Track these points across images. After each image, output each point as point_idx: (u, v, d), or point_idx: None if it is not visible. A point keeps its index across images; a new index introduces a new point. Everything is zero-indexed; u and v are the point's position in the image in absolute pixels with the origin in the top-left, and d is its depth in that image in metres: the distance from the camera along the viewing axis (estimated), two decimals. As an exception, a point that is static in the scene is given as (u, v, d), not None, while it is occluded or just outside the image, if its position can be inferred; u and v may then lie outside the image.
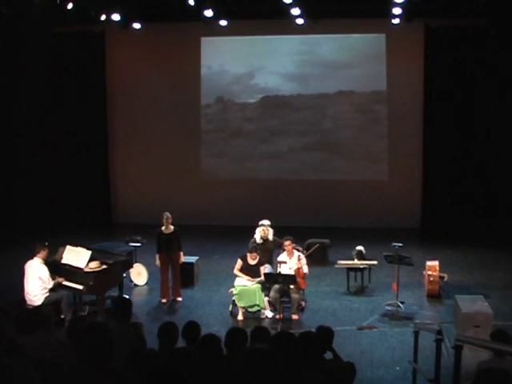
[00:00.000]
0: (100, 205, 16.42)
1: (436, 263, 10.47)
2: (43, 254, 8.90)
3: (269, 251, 10.30)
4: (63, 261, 9.31)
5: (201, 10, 13.75)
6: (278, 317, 9.13)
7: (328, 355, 5.35)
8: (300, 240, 11.01)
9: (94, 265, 9.08)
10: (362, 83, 15.70)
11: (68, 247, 9.46)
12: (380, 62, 15.53)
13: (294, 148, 16.17)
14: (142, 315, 9.52)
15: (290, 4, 13.39)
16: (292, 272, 9.47)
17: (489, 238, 13.92)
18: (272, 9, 13.92)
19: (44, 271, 8.79)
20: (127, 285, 10.65)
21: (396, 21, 14.31)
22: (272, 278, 9.35)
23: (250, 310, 9.52)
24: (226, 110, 16.41)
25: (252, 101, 16.23)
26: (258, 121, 16.28)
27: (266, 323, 9.17)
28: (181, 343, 5.19)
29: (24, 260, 9.04)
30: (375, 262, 10.97)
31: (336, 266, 11.20)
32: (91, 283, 8.88)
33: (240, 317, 9.49)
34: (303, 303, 9.83)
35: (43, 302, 8.70)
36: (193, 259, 11.28)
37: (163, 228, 10.36)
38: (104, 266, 9.16)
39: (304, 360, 4.55)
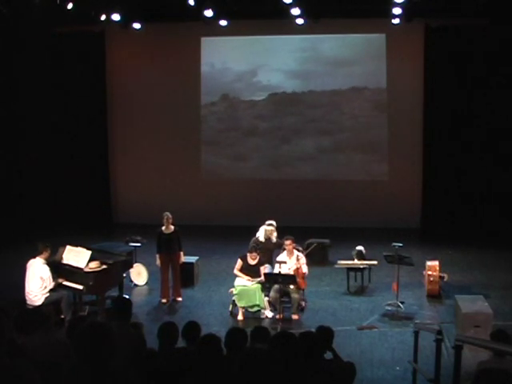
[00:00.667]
0: (100, 205, 16.42)
1: (436, 263, 10.47)
2: (45, 254, 8.90)
3: (269, 251, 10.31)
4: (63, 261, 9.31)
5: (201, 10, 13.75)
6: (278, 317, 9.13)
7: (328, 355, 5.35)
8: (300, 240, 11.02)
9: (94, 265, 9.08)
10: (362, 83, 15.70)
11: (68, 247, 9.46)
12: (380, 62, 15.53)
13: (295, 148, 16.17)
14: (142, 315, 9.52)
15: (290, 4, 13.39)
16: (291, 272, 9.47)
17: (489, 238, 13.92)
18: (272, 9, 13.93)
19: (46, 271, 8.79)
20: (127, 285, 10.65)
21: (396, 21, 14.32)
22: (272, 278, 9.34)
23: (250, 309, 9.52)
24: (233, 107, 16.36)
25: (258, 98, 16.19)
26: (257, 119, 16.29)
27: (265, 323, 9.17)
28: (181, 343, 5.19)
29: (25, 260, 9.04)
30: (375, 262, 10.97)
31: (336, 266, 11.20)
32: (91, 283, 8.88)
33: (240, 317, 9.49)
34: (303, 303, 9.83)
35: (43, 302, 8.70)
36: (193, 259, 11.28)
37: (163, 228, 10.36)
38: (104, 266, 9.16)
39: (304, 360, 4.55)
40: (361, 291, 10.81)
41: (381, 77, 15.60)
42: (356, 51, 15.60)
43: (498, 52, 14.31)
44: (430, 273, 10.40)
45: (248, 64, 16.09)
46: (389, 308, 9.67)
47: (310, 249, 10.62)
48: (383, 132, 15.81)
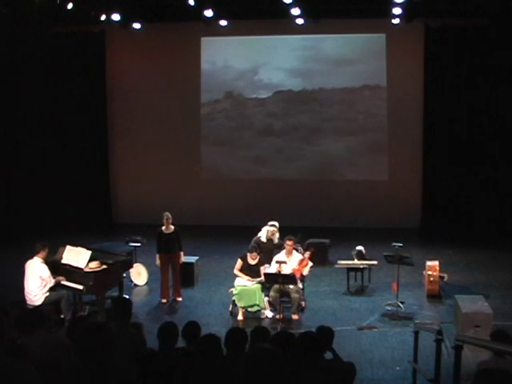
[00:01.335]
0: (100, 205, 16.43)
1: (436, 263, 10.47)
2: (43, 253, 8.89)
3: (270, 252, 10.30)
4: (63, 261, 9.31)
5: (201, 10, 13.76)
6: (278, 317, 9.13)
7: (328, 355, 5.35)
8: (300, 240, 11.01)
9: (94, 265, 9.08)
10: (362, 82, 15.71)
11: (68, 247, 9.46)
12: (380, 62, 15.53)
13: (294, 148, 16.17)
14: (142, 315, 9.52)
15: (290, 4, 13.39)
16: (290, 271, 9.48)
17: (489, 238, 13.92)
18: (272, 9, 13.94)
19: (44, 270, 8.79)
20: (127, 285, 10.64)
21: (396, 21, 14.32)
22: (272, 278, 9.34)
23: (250, 309, 9.51)
24: (241, 104, 16.36)
25: (263, 96, 16.20)
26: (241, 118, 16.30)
27: (265, 323, 9.16)
28: (181, 343, 5.19)
29: (24, 260, 9.03)
30: (375, 262, 10.97)
31: (336, 266, 11.20)
32: (91, 283, 8.88)
33: (240, 317, 9.48)
34: (303, 303, 9.82)
35: (43, 302, 8.69)
36: (193, 259, 11.27)
37: (163, 228, 10.35)
38: (104, 266, 9.16)
39: (304, 360, 4.55)
40: (361, 291, 10.80)
41: (381, 77, 15.60)
42: (356, 51, 15.60)
43: (497, 52, 14.30)
44: (430, 273, 10.40)
45: (249, 62, 16.09)
46: (389, 308, 9.67)
47: (309, 252, 10.49)
48: (383, 132, 15.81)
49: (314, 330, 5.51)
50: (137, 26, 15.23)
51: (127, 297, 8.95)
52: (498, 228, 14.26)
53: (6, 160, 15.30)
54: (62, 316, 8.81)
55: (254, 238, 10.48)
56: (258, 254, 9.89)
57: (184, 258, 10.62)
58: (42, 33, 14.78)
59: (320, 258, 11.98)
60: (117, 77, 16.50)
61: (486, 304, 8.64)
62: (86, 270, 9.00)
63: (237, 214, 15.65)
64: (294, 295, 9.38)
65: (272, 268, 9.52)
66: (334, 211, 15.67)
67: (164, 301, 10.33)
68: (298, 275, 9.50)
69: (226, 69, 16.24)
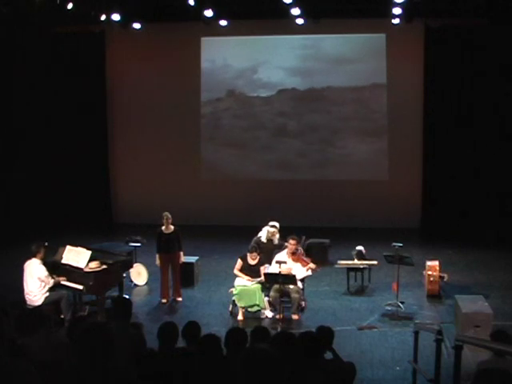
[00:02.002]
0: (100, 205, 16.42)
1: (436, 263, 10.47)
2: (41, 254, 8.87)
3: (269, 251, 10.29)
4: (63, 261, 9.31)
5: (201, 10, 13.76)
6: (278, 317, 9.14)
7: (328, 355, 5.35)
8: (303, 244, 11.02)
9: (94, 265, 9.08)
10: (362, 82, 15.70)
11: (68, 247, 9.46)
12: (380, 62, 15.53)
13: (294, 148, 16.17)
14: (142, 315, 9.52)
15: (290, 4, 13.39)
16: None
17: (489, 238, 13.92)
18: (272, 9, 13.93)
19: (42, 271, 8.77)
20: (127, 285, 10.64)
21: (396, 21, 14.32)
22: (272, 278, 9.34)
23: (250, 309, 9.51)
24: (240, 104, 16.35)
25: (263, 95, 16.20)
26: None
27: (265, 323, 9.17)
28: (181, 343, 5.19)
29: (24, 260, 9.02)
30: (375, 262, 10.97)
31: (336, 266, 11.20)
32: (91, 283, 8.88)
33: (240, 317, 9.48)
34: (303, 303, 9.82)
35: (43, 302, 8.69)
36: (193, 259, 11.27)
37: (163, 228, 10.35)
38: (104, 266, 9.16)
39: (304, 360, 4.55)
40: (361, 291, 10.81)
41: (381, 77, 15.60)
42: (356, 51, 15.59)
43: (497, 52, 14.31)
44: (430, 273, 10.40)
45: (249, 62, 16.08)
46: (389, 308, 9.67)
47: (304, 243, 10.46)
48: (383, 132, 15.81)
49: (313, 330, 5.50)
50: (137, 25, 15.23)
51: (127, 297, 8.95)
52: (497, 228, 14.25)
53: (6, 160, 15.29)
54: (62, 316, 8.81)
55: (254, 238, 10.48)
56: (258, 254, 9.88)
57: (184, 258, 10.62)
58: (41, 33, 14.79)
59: (320, 257, 11.98)
60: (117, 77, 16.50)
61: (486, 304, 8.64)
62: (86, 269, 9.00)
63: (237, 214, 15.64)
64: (294, 295, 9.38)
65: (273, 268, 9.51)
66: (334, 211, 15.67)
67: (164, 301, 10.33)
68: (305, 265, 9.51)
69: (226, 68, 16.23)
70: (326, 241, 12.62)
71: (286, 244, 9.90)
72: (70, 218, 15.51)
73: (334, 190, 15.91)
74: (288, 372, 4.19)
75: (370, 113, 15.85)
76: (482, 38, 14.42)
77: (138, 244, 11.42)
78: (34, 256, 8.81)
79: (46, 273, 8.82)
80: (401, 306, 9.52)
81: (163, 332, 5.10)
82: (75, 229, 14.31)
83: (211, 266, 12.35)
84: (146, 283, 11.27)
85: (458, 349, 4.97)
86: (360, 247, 11.45)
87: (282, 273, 9.18)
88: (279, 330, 8.22)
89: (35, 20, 13.37)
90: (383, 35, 15.42)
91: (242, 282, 9.67)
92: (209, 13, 13.86)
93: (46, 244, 9.05)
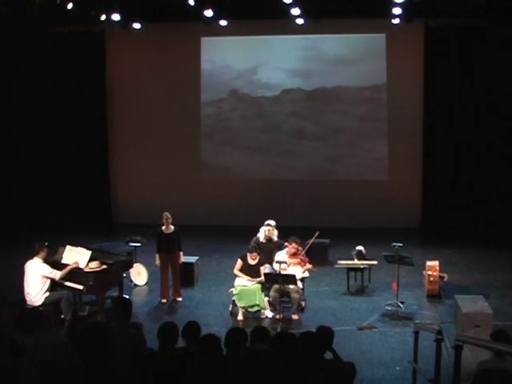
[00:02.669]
0: (100, 205, 16.42)
1: (436, 263, 10.47)
2: (43, 254, 8.87)
3: (270, 251, 10.28)
4: (63, 261, 9.30)
5: (201, 10, 13.76)
6: (278, 317, 9.13)
7: (328, 355, 5.35)
8: (300, 240, 10.98)
9: (94, 265, 9.07)
10: (362, 82, 15.71)
11: (68, 247, 9.46)
12: (380, 62, 15.53)
13: (294, 148, 16.17)
14: (142, 315, 9.52)
15: (290, 4, 13.39)
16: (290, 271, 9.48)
17: (489, 237, 13.92)
18: (272, 9, 13.93)
19: (46, 269, 8.76)
20: (127, 285, 10.64)
21: (396, 21, 14.32)
22: (272, 278, 9.34)
23: (250, 309, 9.51)
24: (240, 104, 16.33)
25: (263, 95, 16.18)
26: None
27: (265, 323, 9.16)
28: (181, 343, 5.19)
29: (24, 260, 9.02)
30: (375, 262, 10.96)
31: (336, 266, 11.19)
32: (91, 283, 8.88)
33: (240, 317, 9.48)
34: (303, 303, 9.82)
35: (43, 302, 8.69)
36: (193, 259, 11.27)
37: (163, 228, 10.35)
38: (104, 266, 9.16)
39: (304, 360, 4.55)
40: (361, 291, 10.80)
41: (381, 76, 15.60)
42: (356, 51, 15.59)
43: (497, 52, 14.31)
44: (430, 273, 10.40)
45: (249, 62, 16.07)
46: (389, 308, 9.67)
47: (311, 241, 10.43)
48: (383, 132, 15.81)
49: (313, 330, 5.50)
50: (137, 25, 15.22)
51: (127, 297, 8.95)
52: (498, 228, 14.25)
53: (6, 160, 15.29)
54: (62, 316, 8.81)
55: (254, 239, 10.47)
56: (258, 254, 9.88)
57: (184, 258, 10.62)
58: (41, 33, 14.79)
59: (320, 258, 11.98)
60: (117, 77, 16.50)
61: (486, 304, 8.64)
62: (86, 270, 9.00)
63: (237, 214, 15.64)
64: (294, 295, 9.38)
65: (275, 268, 9.51)
66: (334, 211, 15.67)
67: (164, 301, 10.33)
68: (303, 266, 9.51)
69: (226, 69, 16.23)
70: (326, 241, 12.61)
71: (286, 244, 9.89)
72: (70, 218, 15.51)
73: (334, 190, 15.91)
74: (287, 372, 4.20)
75: (370, 112, 15.85)
76: (482, 38, 14.43)
77: (138, 244, 11.42)
78: (36, 255, 8.81)
79: (50, 269, 8.81)
80: (401, 306, 9.52)
81: (163, 332, 5.10)
82: (75, 229, 14.31)
83: (211, 265, 12.35)
84: (146, 283, 11.26)
85: (457, 349, 4.96)
86: (360, 247, 11.44)
87: (282, 273, 9.18)
88: (279, 329, 8.22)
89: (35, 20, 13.37)
90: (383, 35, 15.42)
91: (242, 282, 9.67)
92: (209, 13, 13.86)
93: (46, 244, 9.04)
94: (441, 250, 13.11)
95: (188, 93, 16.33)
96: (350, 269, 10.92)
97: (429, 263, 10.49)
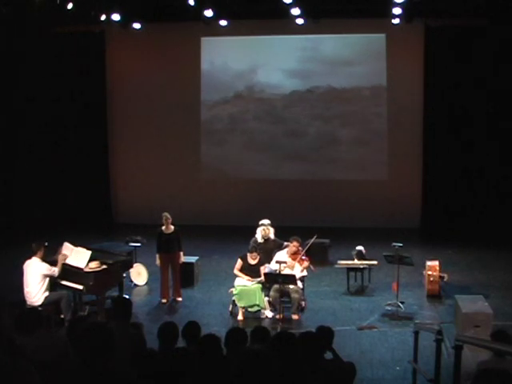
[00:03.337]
0: (100, 205, 16.43)
1: (436, 263, 10.47)
2: (41, 253, 8.86)
3: (270, 251, 10.28)
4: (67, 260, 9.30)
5: (201, 10, 13.76)
6: (278, 317, 9.13)
7: (328, 355, 5.35)
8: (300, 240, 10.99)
9: (94, 265, 9.07)
10: (362, 82, 15.71)
11: (66, 244, 9.38)
12: (380, 62, 15.52)
13: (294, 148, 16.17)
14: (142, 315, 9.52)
15: (290, 4, 13.39)
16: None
17: (489, 237, 13.92)
18: (272, 9, 13.93)
19: (44, 267, 8.74)
20: (127, 285, 10.64)
21: (396, 21, 14.33)
22: (272, 278, 9.34)
23: (250, 309, 9.51)
24: (240, 104, 16.32)
25: (263, 95, 16.18)
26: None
27: (265, 323, 9.16)
28: (181, 343, 5.19)
29: (23, 260, 9.02)
30: (375, 262, 10.96)
31: (336, 266, 11.19)
32: (91, 283, 8.87)
33: (240, 317, 9.48)
34: (303, 303, 9.82)
35: (43, 302, 8.69)
36: (193, 259, 11.27)
37: (163, 228, 10.35)
38: (104, 266, 9.15)
39: (304, 360, 4.55)
40: (361, 291, 10.80)
41: (381, 77, 15.60)
42: (356, 51, 15.59)
43: (497, 52, 14.31)
44: (430, 273, 10.40)
45: (249, 62, 16.06)
46: (389, 308, 9.67)
47: (309, 243, 10.45)
48: (383, 132, 15.81)
49: (313, 330, 5.50)
50: (137, 25, 15.23)
51: (127, 297, 8.94)
52: (498, 228, 14.25)
53: (6, 160, 15.29)
54: (62, 316, 8.81)
55: (253, 239, 10.47)
56: (258, 254, 9.88)
57: (184, 258, 10.62)
58: (41, 33, 14.79)
59: (320, 257, 11.98)
60: (117, 77, 16.50)
61: (486, 304, 8.64)
62: (86, 270, 8.99)
63: (237, 214, 15.64)
64: (294, 295, 9.38)
65: (273, 266, 9.50)
66: (333, 211, 15.67)
67: (164, 301, 10.33)
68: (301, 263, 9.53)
69: (225, 69, 16.23)
70: (326, 241, 12.61)
71: (286, 243, 9.89)
72: (70, 218, 15.51)
73: (334, 190, 15.91)
74: (288, 372, 4.20)
75: (370, 112, 15.85)
76: (481, 38, 14.42)
77: (138, 244, 11.42)
78: (34, 254, 8.81)
79: (48, 266, 8.80)
80: (401, 306, 9.52)
81: (163, 332, 5.10)
82: (75, 229, 14.30)
83: (211, 265, 12.35)
84: (146, 283, 11.26)
85: (457, 349, 4.96)
86: (360, 247, 11.44)
87: (282, 273, 9.19)
88: (279, 330, 8.22)
89: (35, 20, 13.37)
90: (383, 35, 15.42)
91: (242, 281, 9.67)
92: (209, 13, 13.87)
93: (46, 244, 9.04)
94: (441, 250, 13.11)
95: (188, 93, 16.33)
96: (349, 269, 10.92)
97: (429, 263, 10.49)
